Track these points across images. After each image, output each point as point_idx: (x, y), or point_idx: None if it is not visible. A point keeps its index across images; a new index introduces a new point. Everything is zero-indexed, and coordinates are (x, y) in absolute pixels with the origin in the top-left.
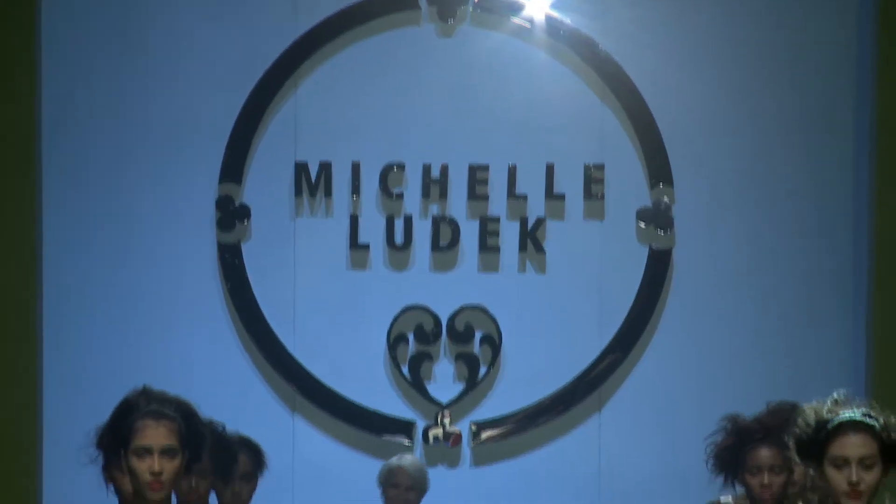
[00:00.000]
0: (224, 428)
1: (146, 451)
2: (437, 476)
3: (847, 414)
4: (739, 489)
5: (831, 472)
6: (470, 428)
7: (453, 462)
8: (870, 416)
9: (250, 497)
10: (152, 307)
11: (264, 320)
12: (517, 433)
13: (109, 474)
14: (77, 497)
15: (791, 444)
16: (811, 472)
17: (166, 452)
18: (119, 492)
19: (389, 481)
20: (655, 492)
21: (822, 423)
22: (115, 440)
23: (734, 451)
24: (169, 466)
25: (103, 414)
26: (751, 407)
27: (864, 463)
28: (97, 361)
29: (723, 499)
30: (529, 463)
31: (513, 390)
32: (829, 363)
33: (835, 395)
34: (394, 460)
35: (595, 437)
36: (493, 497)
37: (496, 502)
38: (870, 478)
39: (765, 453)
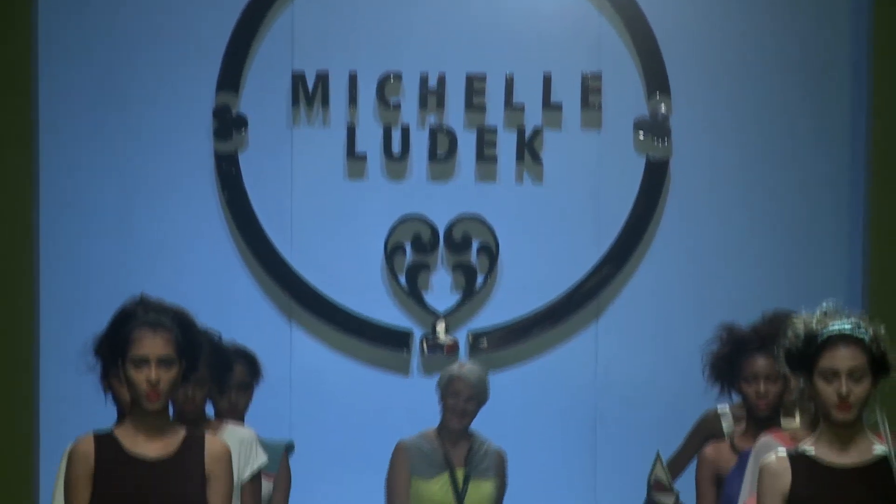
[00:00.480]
0: (220, 337)
1: (143, 361)
2: (434, 386)
3: (836, 326)
4: (736, 398)
5: (821, 385)
6: (467, 337)
7: None
8: (859, 328)
9: (247, 406)
10: (149, 217)
11: (261, 230)
12: (514, 343)
13: (108, 382)
14: (75, 405)
15: (781, 356)
16: (801, 383)
17: (163, 362)
18: (117, 400)
19: (448, 390)
20: (652, 400)
21: (811, 336)
22: (113, 349)
23: (730, 360)
24: (166, 376)
25: (101, 323)
26: (747, 316)
27: (853, 375)
28: (95, 271)
29: (720, 408)
30: (526, 372)
31: (510, 300)
32: (826, 271)
33: (824, 307)
34: (454, 367)
35: (592, 346)
36: (490, 406)
37: (493, 410)
38: (859, 390)
39: (760, 362)
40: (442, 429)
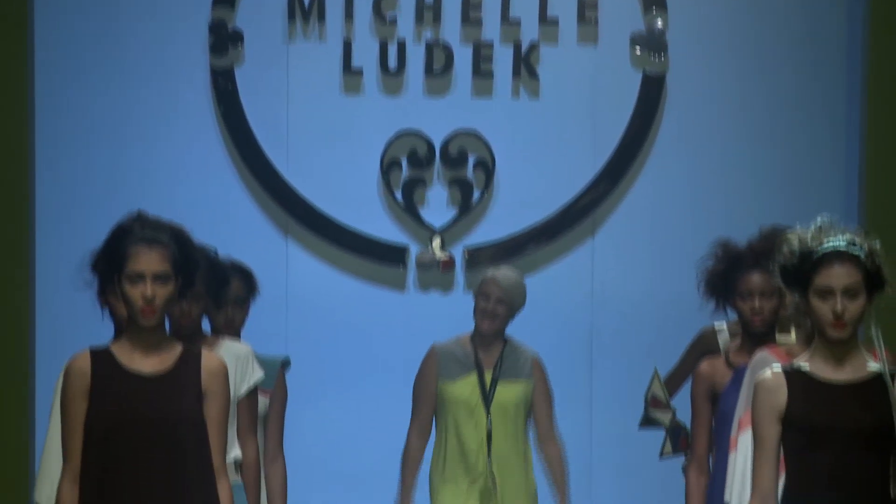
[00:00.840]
0: (216, 252)
1: (139, 277)
2: (431, 301)
3: (831, 243)
4: (731, 314)
5: (816, 303)
6: (463, 253)
7: (447, 287)
8: (854, 245)
9: (243, 322)
10: (146, 132)
11: (257, 145)
12: (510, 258)
13: (104, 299)
14: (71, 322)
15: (776, 272)
16: (797, 299)
17: (159, 278)
18: (114, 316)
19: (480, 291)
20: (648, 317)
21: (806, 253)
22: (109, 265)
23: (725, 276)
24: (161, 292)
25: (97, 238)
26: (744, 232)
27: (848, 293)
28: (91, 186)
29: (717, 324)
30: None
31: (506, 215)
32: (823, 186)
33: (819, 222)
34: (489, 270)
35: (588, 262)
36: None
37: None
38: (854, 307)
39: (755, 278)
40: (475, 332)
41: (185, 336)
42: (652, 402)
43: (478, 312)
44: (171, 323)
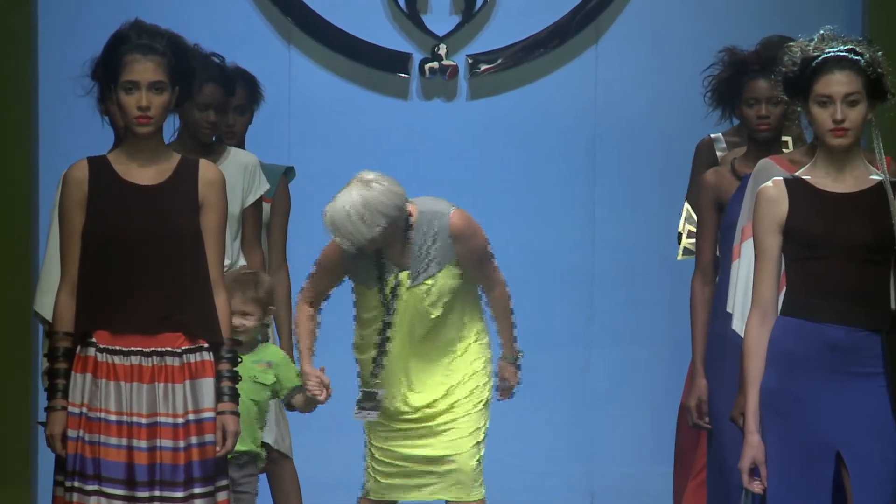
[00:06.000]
0: (223, 60)
1: (134, 86)
2: (434, 109)
3: (832, 50)
4: (736, 122)
5: (816, 111)
6: (466, 61)
7: (450, 95)
8: (854, 52)
9: (245, 129)
10: None
11: None
12: (513, 66)
13: (105, 107)
14: (72, 129)
15: (779, 81)
16: (799, 109)
17: (154, 87)
18: (114, 124)
19: None
20: (651, 125)
21: (806, 61)
22: (106, 74)
23: (731, 82)
24: (157, 101)
25: (98, 45)
26: (748, 41)
27: (848, 100)
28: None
29: (713, 135)
30: (526, 96)
31: (509, 23)
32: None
33: (822, 32)
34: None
35: (592, 69)
36: (490, 129)
37: (492, 135)
38: (854, 115)
39: (762, 84)
40: None
41: (203, 145)
42: (688, 234)
43: None
44: (193, 131)
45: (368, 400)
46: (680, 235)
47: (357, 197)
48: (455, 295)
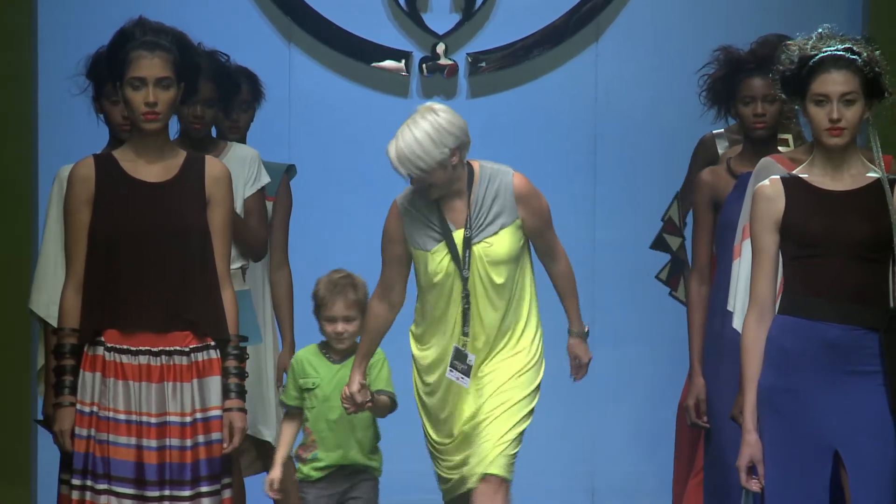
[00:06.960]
0: (227, 58)
1: (140, 83)
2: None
3: (829, 49)
4: (732, 121)
5: (813, 110)
6: (466, 59)
7: (450, 93)
8: (852, 51)
9: (247, 126)
10: None
11: None
12: (513, 65)
13: (100, 105)
14: (71, 128)
15: (776, 80)
16: (797, 108)
17: (161, 83)
18: (109, 122)
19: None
20: (652, 124)
21: (804, 59)
22: (111, 71)
23: (727, 81)
24: (163, 97)
25: (97, 44)
26: (746, 39)
27: (844, 99)
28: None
29: (715, 131)
30: (526, 94)
31: (509, 21)
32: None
33: (820, 31)
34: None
35: (592, 68)
36: (490, 128)
37: (493, 133)
38: (851, 114)
39: (757, 82)
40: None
41: (195, 140)
42: (667, 224)
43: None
44: (182, 127)
45: (461, 361)
46: (662, 221)
47: (424, 122)
48: (516, 268)
